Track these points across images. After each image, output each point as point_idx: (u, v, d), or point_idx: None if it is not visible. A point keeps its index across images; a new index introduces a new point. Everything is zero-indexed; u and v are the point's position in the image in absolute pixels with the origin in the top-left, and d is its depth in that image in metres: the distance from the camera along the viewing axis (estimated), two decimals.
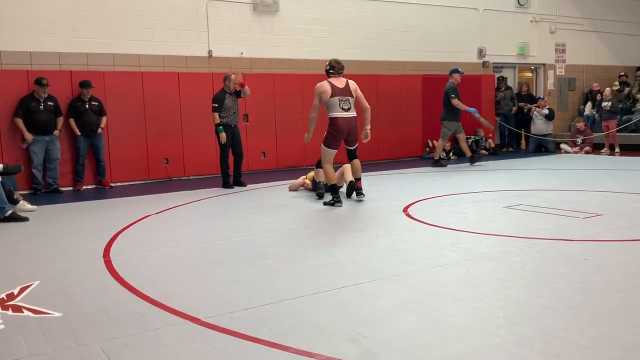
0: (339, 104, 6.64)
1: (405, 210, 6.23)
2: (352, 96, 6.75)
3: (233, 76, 8.43)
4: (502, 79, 13.76)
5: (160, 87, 9.73)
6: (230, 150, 8.56)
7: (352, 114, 6.76)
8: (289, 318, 3.09)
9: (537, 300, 3.25)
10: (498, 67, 14.12)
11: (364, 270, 3.98)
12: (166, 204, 7.14)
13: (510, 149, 13.70)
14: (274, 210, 6.56)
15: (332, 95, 6.62)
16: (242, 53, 10.64)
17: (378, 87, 11.94)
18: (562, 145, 13.16)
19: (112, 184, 9.31)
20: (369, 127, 6.99)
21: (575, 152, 12.72)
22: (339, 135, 6.68)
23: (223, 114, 8.35)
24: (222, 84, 8.56)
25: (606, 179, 8.32)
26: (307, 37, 11.33)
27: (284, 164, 10.94)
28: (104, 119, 9.14)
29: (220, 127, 8.33)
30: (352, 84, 6.83)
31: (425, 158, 12.37)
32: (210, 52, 10.38)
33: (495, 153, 12.94)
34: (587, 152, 12.55)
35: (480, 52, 13.62)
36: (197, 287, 3.73)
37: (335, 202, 6.61)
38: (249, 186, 8.63)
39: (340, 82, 6.76)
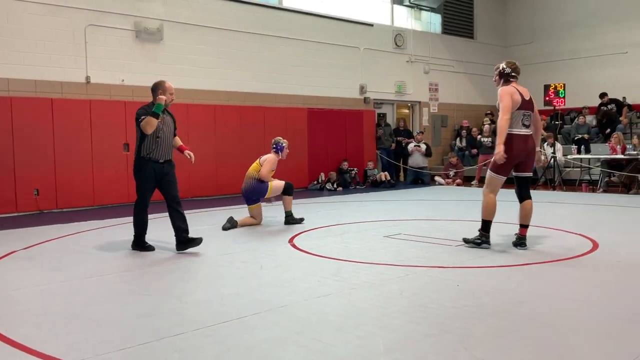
0: (522, 119, 5.45)
1: (291, 240, 6.28)
2: (533, 111, 5.57)
3: (168, 84, 5.96)
4: (382, 116, 14.49)
5: (32, 114, 9.13)
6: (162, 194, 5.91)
7: (531, 131, 5.58)
8: (169, 357, 2.98)
9: (413, 326, 3.40)
10: (378, 103, 14.84)
11: (248, 302, 3.94)
12: (36, 239, 6.63)
13: (391, 181, 14.32)
14: (155, 243, 6.32)
15: (520, 107, 5.42)
16: (123, 80, 10.29)
17: (265, 119, 12.04)
18: (437, 178, 14.02)
19: None
20: (540, 150, 5.70)
21: (448, 184, 13.61)
22: (514, 157, 5.44)
23: (147, 144, 5.69)
24: (152, 96, 5.84)
25: (475, 210, 8.92)
26: (193, 67, 11.23)
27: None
28: None
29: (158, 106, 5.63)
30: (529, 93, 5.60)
31: (311, 189, 12.58)
32: (88, 78, 9.93)
33: (378, 185, 13.41)
34: (458, 185, 13.48)
35: (362, 89, 14.26)
36: (68, 329, 3.49)
37: (482, 242, 5.63)
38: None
39: (523, 90, 5.52)
